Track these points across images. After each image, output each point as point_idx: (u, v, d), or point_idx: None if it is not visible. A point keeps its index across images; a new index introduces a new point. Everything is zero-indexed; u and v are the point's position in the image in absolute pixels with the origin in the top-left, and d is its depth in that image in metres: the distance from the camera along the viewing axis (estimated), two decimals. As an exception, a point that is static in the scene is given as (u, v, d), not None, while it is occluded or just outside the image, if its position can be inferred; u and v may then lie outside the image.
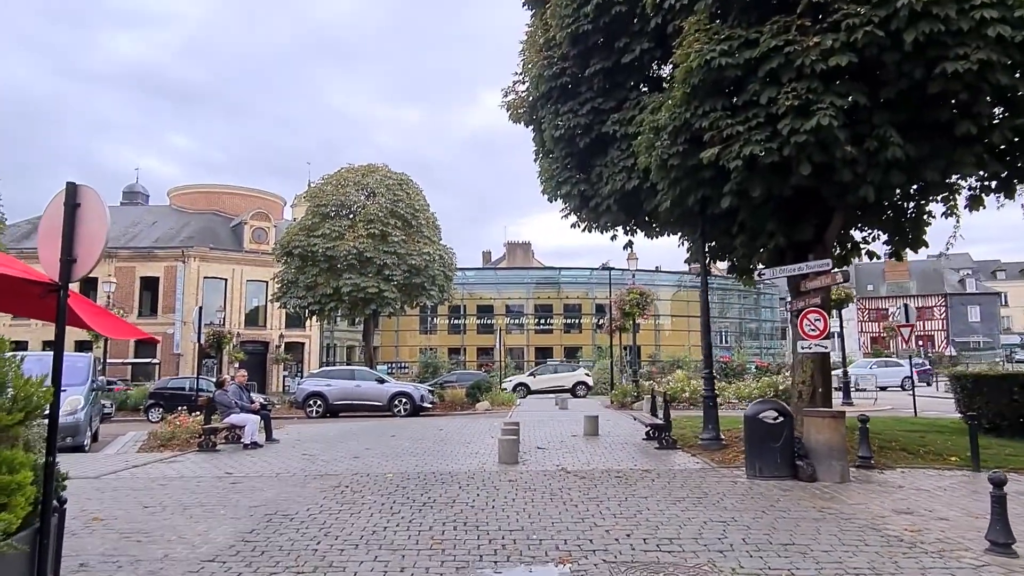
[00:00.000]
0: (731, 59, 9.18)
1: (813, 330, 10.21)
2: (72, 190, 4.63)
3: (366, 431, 15.95)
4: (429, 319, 51.07)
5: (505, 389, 29.27)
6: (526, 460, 10.89)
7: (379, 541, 6.23)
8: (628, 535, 6.38)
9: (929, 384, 35.69)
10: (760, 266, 13.26)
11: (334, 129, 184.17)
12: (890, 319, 57.74)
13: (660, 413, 14.10)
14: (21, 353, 5.39)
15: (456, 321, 51.37)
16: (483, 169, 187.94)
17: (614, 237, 15.16)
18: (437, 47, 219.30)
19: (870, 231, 12.45)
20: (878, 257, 13.28)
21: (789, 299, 12.46)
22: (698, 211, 11.66)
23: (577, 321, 52.14)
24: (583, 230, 14.80)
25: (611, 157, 12.51)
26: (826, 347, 10.31)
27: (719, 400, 22.58)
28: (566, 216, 15.09)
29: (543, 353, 51.54)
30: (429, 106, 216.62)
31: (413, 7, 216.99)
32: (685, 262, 13.83)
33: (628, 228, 14.74)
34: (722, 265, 15.35)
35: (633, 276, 24.59)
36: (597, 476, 9.49)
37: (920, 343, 60.26)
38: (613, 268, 33.60)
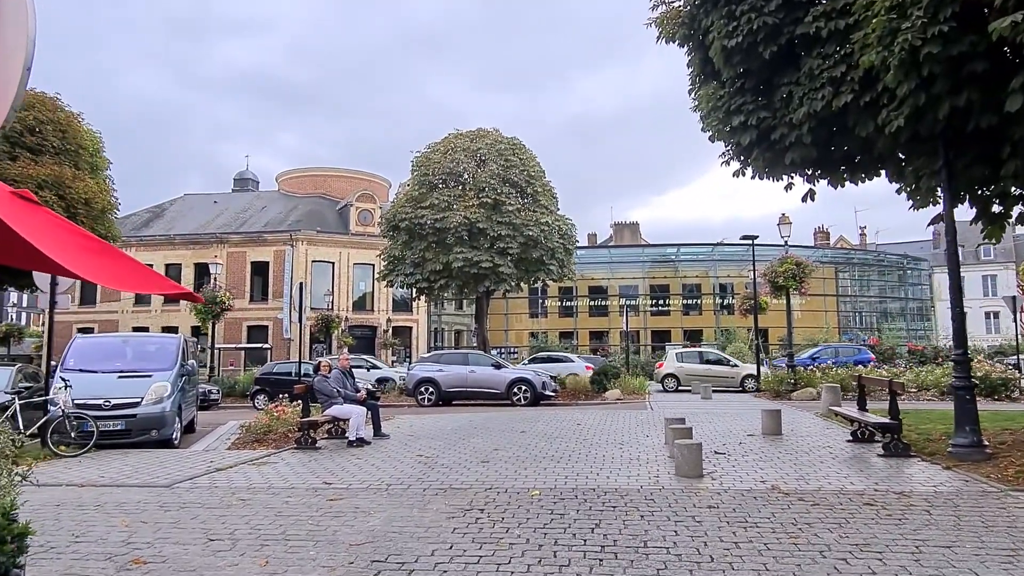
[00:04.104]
0: None
1: None
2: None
3: (489, 425, 13.56)
4: (540, 301, 48.62)
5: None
6: (711, 471, 8.09)
7: (558, 636, 3.65)
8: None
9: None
10: (1019, 208, 9.79)
11: (433, 120, 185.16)
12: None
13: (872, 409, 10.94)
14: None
15: (568, 303, 48.65)
16: (582, 154, 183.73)
17: (789, 186, 12.08)
18: (528, 34, 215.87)
19: None
20: None
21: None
22: (940, 132, 8.44)
23: (697, 302, 48.26)
24: (752, 177, 11.75)
25: (807, 69, 9.39)
26: None
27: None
28: (727, 163, 12.06)
29: (660, 336, 48.09)
30: (523, 92, 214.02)
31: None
32: (912, 208, 10.47)
33: (813, 172, 11.57)
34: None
35: (786, 243, 21.05)
36: (834, 502, 6.57)
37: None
38: (743, 242, 29.77)
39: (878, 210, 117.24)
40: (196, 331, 35.52)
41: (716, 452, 9.39)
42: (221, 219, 45.22)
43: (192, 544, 5.50)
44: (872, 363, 28.39)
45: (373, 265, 38.63)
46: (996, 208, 9.72)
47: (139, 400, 11.11)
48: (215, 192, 51.78)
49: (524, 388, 20.02)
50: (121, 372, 11.56)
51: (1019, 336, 22.15)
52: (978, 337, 45.34)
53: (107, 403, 10.89)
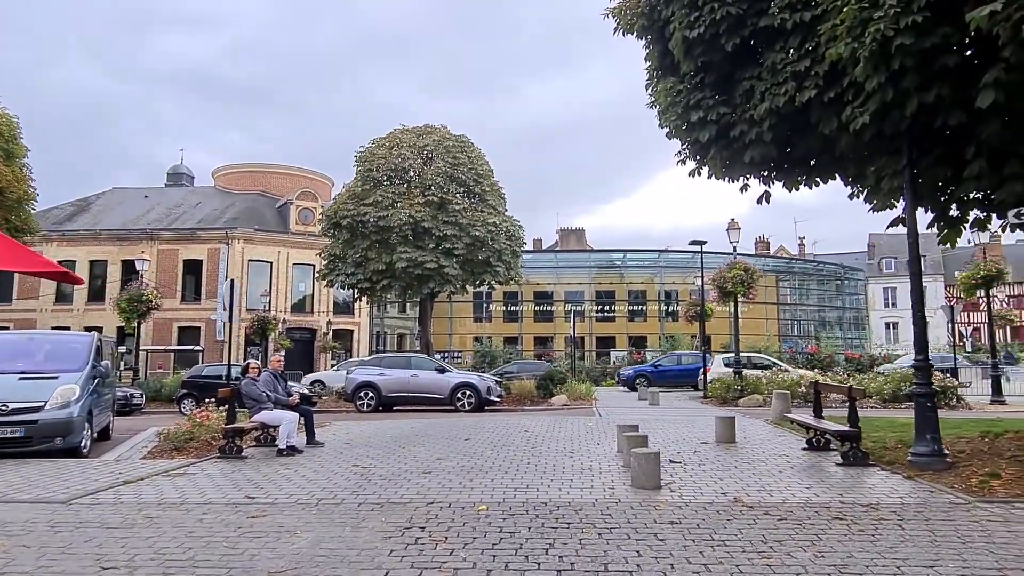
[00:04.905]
0: None
1: None
2: None
3: (431, 431, 12.86)
4: (484, 305, 48.00)
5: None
6: (669, 482, 7.60)
7: None
8: None
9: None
10: (974, 214, 9.67)
11: (384, 124, 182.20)
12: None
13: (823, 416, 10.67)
14: None
15: (513, 308, 48.16)
16: (528, 161, 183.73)
17: (745, 188, 11.79)
18: (479, 42, 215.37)
19: None
20: None
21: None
22: (906, 130, 8.18)
23: (642, 308, 48.43)
24: (709, 177, 11.43)
25: (770, 63, 9.05)
26: None
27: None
28: (683, 161, 11.74)
29: (605, 343, 48.06)
30: (474, 99, 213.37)
31: (455, 2, 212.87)
32: (872, 211, 10.27)
33: (769, 173, 11.30)
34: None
35: (735, 248, 21.01)
36: (802, 516, 6.14)
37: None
38: (690, 248, 29.79)
39: (815, 221, 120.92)
40: (121, 332, 33.64)
41: (672, 461, 8.94)
42: (152, 214, 43.17)
43: (79, 574, 4.68)
44: None
45: (313, 266, 37.38)
46: (954, 212, 9.58)
47: (42, 404, 10.00)
48: (147, 187, 49.46)
49: (468, 393, 19.37)
50: (23, 373, 10.40)
51: (958, 344, 22.59)
52: (908, 346, 46.73)
53: (4, 407, 9.76)
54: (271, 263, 40.94)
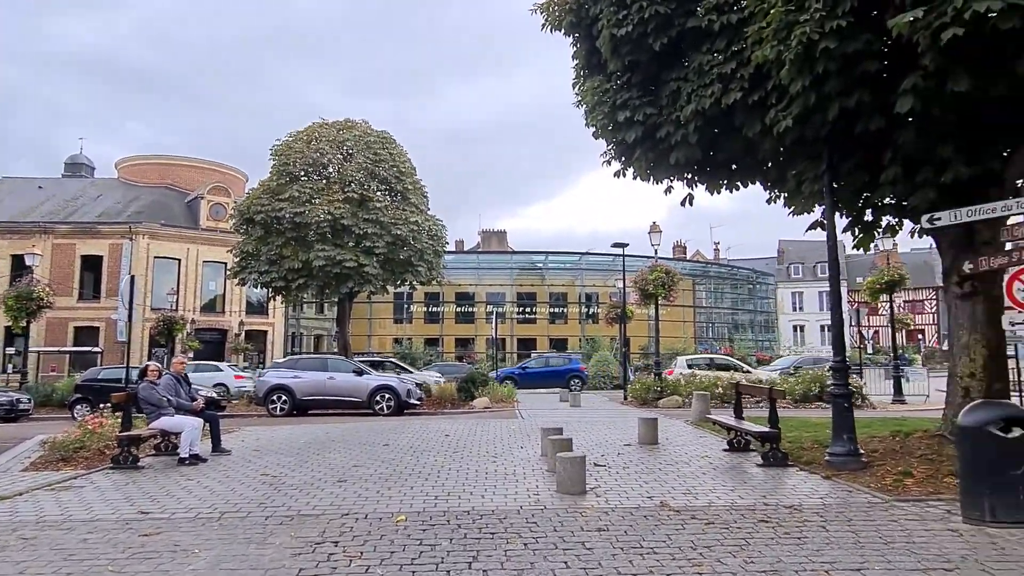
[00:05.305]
0: None
1: (1032, 298, 6.89)
2: None
3: (348, 437, 12.30)
4: (405, 306, 47.20)
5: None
6: (594, 487, 7.42)
7: None
8: None
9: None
10: (886, 220, 9.97)
11: (301, 121, 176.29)
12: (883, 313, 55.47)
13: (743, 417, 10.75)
14: None
15: (434, 309, 47.55)
16: (452, 162, 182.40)
17: (669, 190, 11.81)
18: (401, 41, 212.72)
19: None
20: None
21: (944, 266, 9.19)
22: (827, 134, 8.31)
23: (563, 310, 48.76)
24: (634, 178, 11.43)
25: (697, 64, 9.08)
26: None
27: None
28: (609, 162, 11.68)
29: (526, 344, 48.10)
30: (395, 99, 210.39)
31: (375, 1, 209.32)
32: (791, 214, 10.43)
33: (693, 176, 11.36)
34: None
35: (656, 251, 21.24)
36: (728, 520, 6.05)
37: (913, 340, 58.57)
38: (611, 251, 30.20)
39: (729, 228, 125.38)
40: (9, 332, 31.23)
41: (596, 464, 8.78)
42: (47, 206, 40.34)
43: (-71, 609, 4.05)
44: (584, 373, 29.94)
45: (225, 264, 35.80)
46: (868, 217, 9.85)
47: (-95, 411, 8.95)
48: (41, 177, 46.20)
49: (387, 396, 18.79)
50: None
51: (860, 347, 23.61)
52: (815, 349, 48.93)
53: None
54: (179, 260, 38.96)
